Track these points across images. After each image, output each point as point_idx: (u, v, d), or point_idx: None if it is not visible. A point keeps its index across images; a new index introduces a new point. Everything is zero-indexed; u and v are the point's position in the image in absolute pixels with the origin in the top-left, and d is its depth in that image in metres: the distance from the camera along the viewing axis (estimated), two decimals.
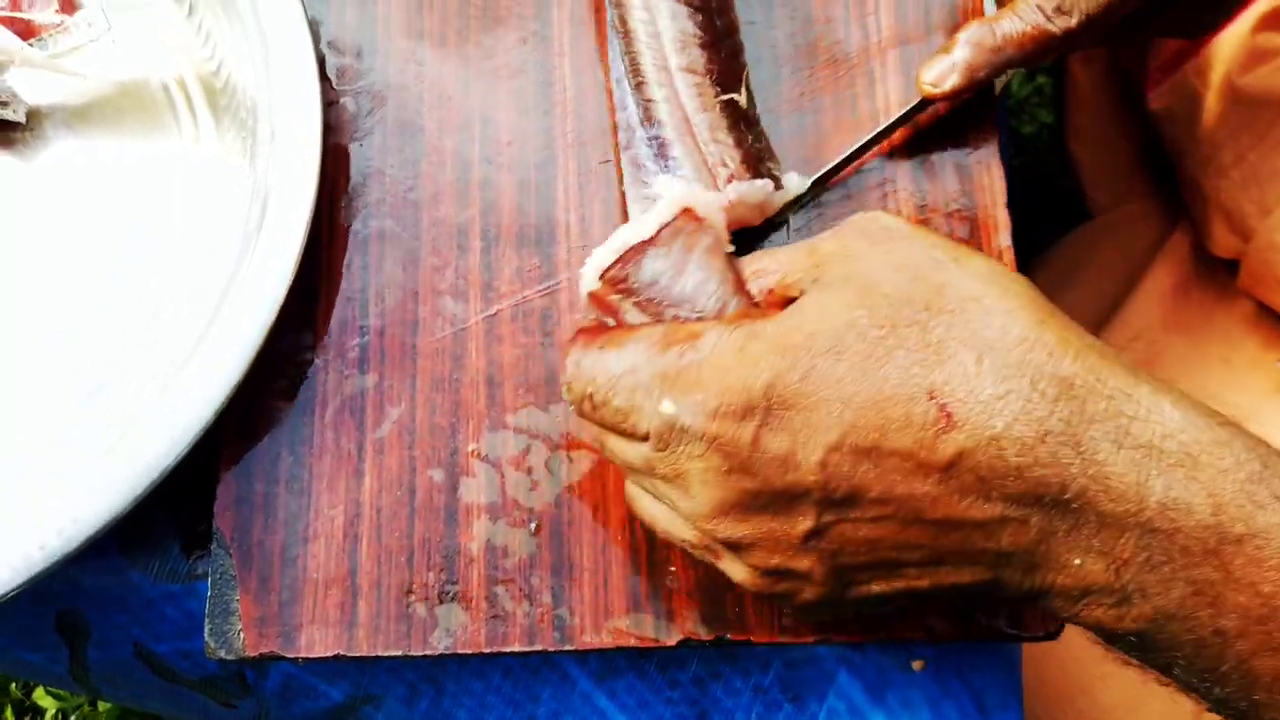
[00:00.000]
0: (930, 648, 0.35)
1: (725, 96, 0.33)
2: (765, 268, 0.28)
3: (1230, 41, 0.43)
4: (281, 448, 0.33)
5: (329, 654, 0.31)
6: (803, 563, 0.26)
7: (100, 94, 0.37)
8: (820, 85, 0.37)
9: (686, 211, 0.29)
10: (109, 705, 0.76)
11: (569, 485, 0.33)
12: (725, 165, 0.32)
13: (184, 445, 0.30)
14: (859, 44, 0.37)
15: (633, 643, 0.31)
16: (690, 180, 0.32)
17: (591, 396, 0.27)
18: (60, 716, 0.76)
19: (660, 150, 0.33)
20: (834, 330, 0.25)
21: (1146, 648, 0.25)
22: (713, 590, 0.32)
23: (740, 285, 0.28)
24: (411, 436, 0.33)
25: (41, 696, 0.77)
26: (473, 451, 0.33)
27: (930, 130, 0.36)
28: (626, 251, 0.28)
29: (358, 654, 0.31)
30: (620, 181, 0.35)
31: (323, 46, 0.37)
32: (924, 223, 0.35)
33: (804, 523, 0.25)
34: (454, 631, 0.31)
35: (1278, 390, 0.43)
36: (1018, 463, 0.23)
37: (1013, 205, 0.35)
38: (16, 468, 0.33)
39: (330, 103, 0.36)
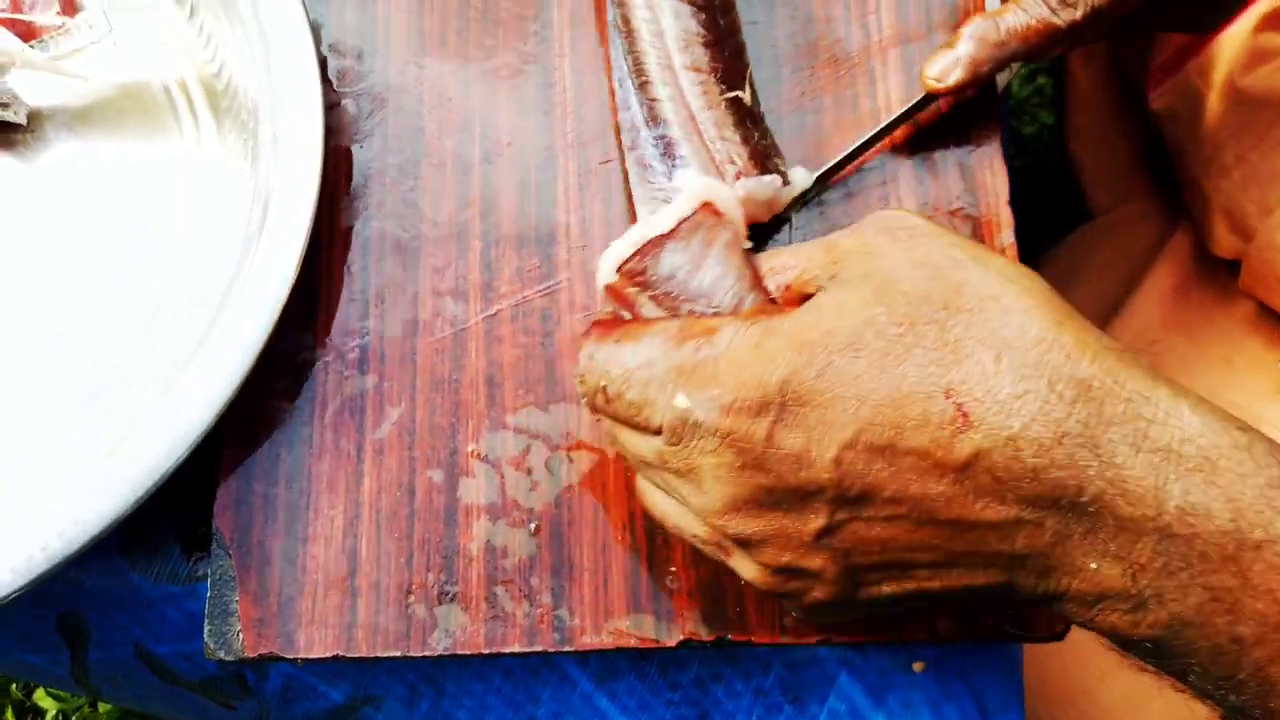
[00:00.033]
0: (932, 649, 0.35)
1: (730, 94, 0.33)
2: (783, 264, 0.28)
3: (1232, 41, 0.43)
4: (281, 448, 0.33)
5: (328, 655, 0.31)
6: (814, 561, 0.26)
7: (101, 96, 0.37)
8: (821, 85, 0.37)
9: (706, 206, 0.29)
10: (109, 706, 0.76)
11: (569, 485, 0.33)
12: (733, 162, 0.32)
13: (185, 447, 0.30)
14: (860, 43, 0.37)
15: (633, 643, 0.31)
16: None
17: (605, 389, 0.27)
18: (61, 717, 0.77)
19: (667, 149, 0.32)
20: (852, 327, 0.25)
21: (1162, 654, 0.25)
22: (714, 591, 0.32)
23: (757, 281, 0.28)
24: (411, 437, 0.33)
25: (42, 698, 0.77)
26: (472, 452, 0.33)
27: (932, 128, 0.36)
28: (645, 245, 0.28)
29: (357, 655, 0.31)
30: (626, 183, 0.35)
31: (324, 49, 0.37)
32: (927, 220, 0.35)
33: (816, 520, 0.25)
34: (453, 632, 0.31)
35: (1279, 391, 0.43)
36: (1034, 464, 0.23)
37: (1015, 203, 0.35)
38: (18, 470, 0.33)
39: (331, 105, 0.36)
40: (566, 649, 0.31)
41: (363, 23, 0.37)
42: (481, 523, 0.32)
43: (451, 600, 0.32)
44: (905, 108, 0.35)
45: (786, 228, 0.35)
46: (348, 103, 0.37)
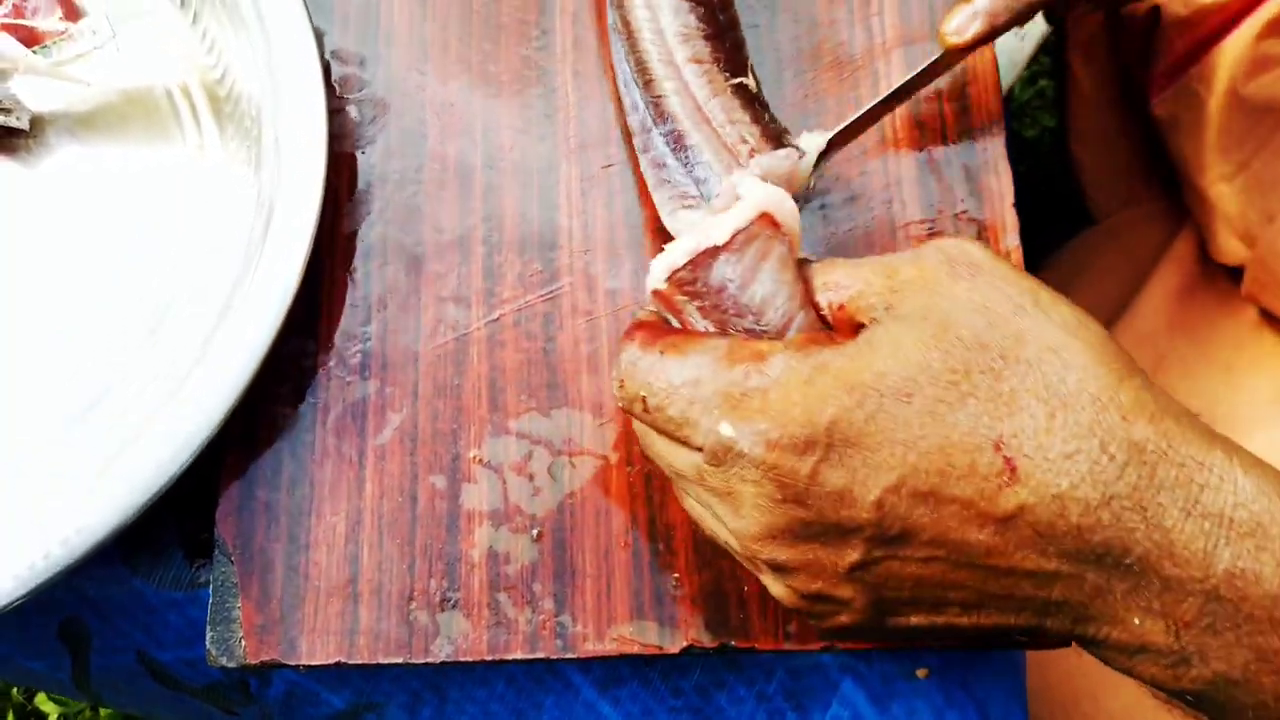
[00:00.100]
0: (935, 656, 0.35)
1: (735, 80, 0.32)
2: (837, 282, 0.27)
3: (1234, 49, 0.43)
4: (283, 454, 0.33)
5: (330, 662, 0.31)
6: (844, 591, 0.25)
7: (104, 101, 0.37)
8: (824, 87, 0.37)
9: (764, 217, 0.28)
10: (110, 711, 0.76)
11: (571, 491, 0.33)
12: (745, 141, 0.31)
13: (189, 454, 0.30)
14: (863, 46, 0.37)
15: (636, 650, 0.31)
16: (718, 174, 0.31)
17: (645, 400, 0.27)
18: None
19: (677, 143, 0.31)
20: (905, 371, 0.24)
21: (1204, 706, 0.25)
22: (717, 597, 0.32)
23: (808, 298, 0.27)
24: (413, 443, 0.33)
25: (44, 702, 0.77)
26: (474, 457, 0.33)
27: (936, 131, 0.36)
28: (698, 255, 0.27)
29: (359, 662, 0.31)
30: (640, 188, 0.35)
31: (326, 55, 0.37)
32: (931, 223, 0.35)
33: (852, 555, 0.25)
34: (455, 639, 0.31)
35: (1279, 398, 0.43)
36: (1079, 523, 0.23)
37: (1020, 206, 0.35)
38: (21, 478, 0.33)
39: (334, 111, 0.36)
40: (569, 656, 0.31)
41: (365, 29, 0.37)
42: (483, 529, 0.32)
43: (454, 607, 0.32)
44: (921, 68, 0.34)
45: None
46: (350, 109, 0.37)
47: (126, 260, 0.35)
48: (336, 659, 0.31)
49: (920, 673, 0.35)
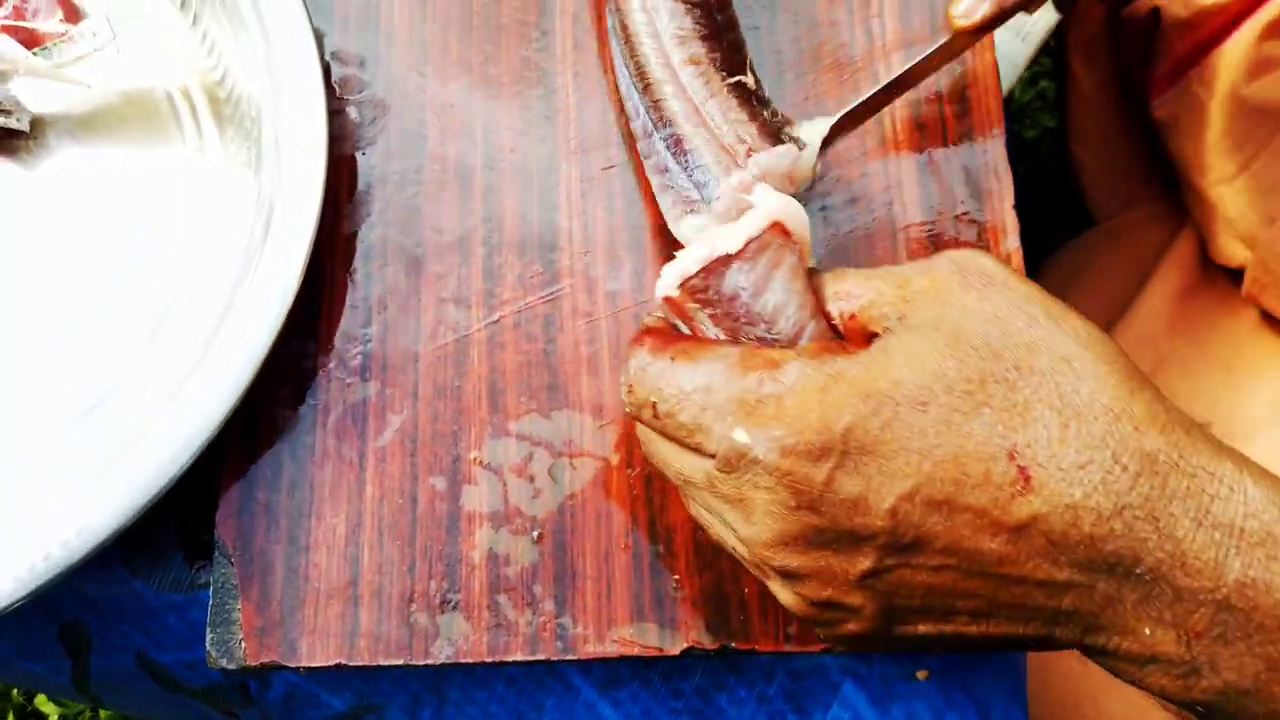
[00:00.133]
0: (936, 658, 0.35)
1: (732, 79, 0.32)
2: (849, 291, 0.27)
3: (1235, 50, 0.43)
4: (284, 456, 0.33)
5: (330, 663, 0.31)
6: (854, 598, 0.25)
7: (104, 103, 0.37)
8: (824, 89, 0.37)
9: (777, 226, 0.28)
10: (110, 713, 0.76)
11: (572, 493, 0.33)
12: (743, 141, 0.31)
13: (189, 456, 0.30)
14: (863, 47, 0.37)
15: (636, 652, 0.31)
16: (717, 177, 0.31)
17: (655, 406, 0.27)
18: None
19: (677, 146, 0.32)
20: (920, 379, 0.24)
21: (1215, 717, 0.25)
22: (717, 599, 0.32)
23: (819, 307, 0.28)
24: (413, 444, 0.33)
25: (44, 703, 0.77)
26: (475, 459, 0.33)
27: (937, 132, 0.36)
28: (712, 262, 0.27)
29: (359, 663, 0.31)
30: (646, 194, 0.35)
31: (326, 56, 0.37)
32: (931, 225, 0.35)
33: (864, 563, 0.25)
34: (456, 641, 0.31)
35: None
36: (1091, 532, 0.23)
37: (1020, 207, 0.35)
38: (21, 480, 0.33)
39: (334, 112, 0.36)
40: (569, 658, 0.31)
41: (365, 30, 0.37)
42: (484, 530, 0.32)
43: (454, 609, 0.32)
44: (928, 51, 0.34)
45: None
46: (350, 110, 0.37)
47: (127, 262, 0.35)
48: (336, 661, 0.31)
49: (920, 675, 0.35)
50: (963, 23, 0.33)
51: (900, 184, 0.36)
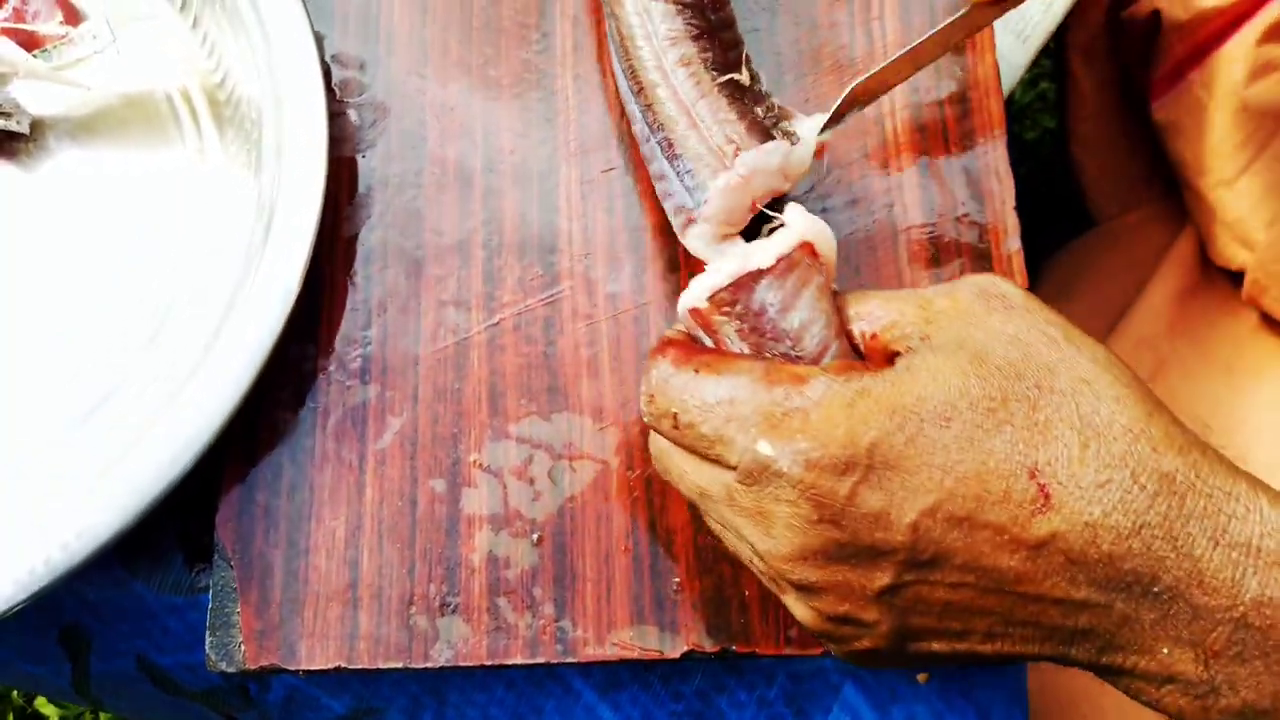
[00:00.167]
0: None
1: (725, 78, 0.32)
2: (871, 312, 0.27)
3: (1235, 52, 0.43)
4: (283, 459, 0.33)
5: (329, 666, 0.31)
6: (870, 614, 0.26)
7: (104, 106, 0.37)
8: (825, 91, 0.37)
9: (806, 245, 0.28)
10: (110, 715, 0.76)
11: (571, 496, 0.33)
12: (731, 141, 0.30)
13: (189, 459, 0.30)
14: (864, 49, 0.37)
15: (636, 655, 0.31)
16: (703, 181, 0.31)
17: (676, 416, 0.27)
18: None
19: (669, 150, 0.32)
20: (944, 396, 0.25)
21: None
22: (718, 601, 0.32)
23: (842, 327, 0.28)
24: (413, 447, 0.33)
25: (43, 705, 0.77)
26: (474, 462, 0.33)
27: (938, 134, 0.36)
28: (742, 277, 0.28)
29: (359, 666, 0.31)
30: (644, 192, 0.35)
31: (326, 59, 0.37)
32: (932, 227, 0.35)
33: (882, 578, 0.25)
34: (455, 644, 0.31)
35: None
36: (1110, 551, 0.24)
37: (1020, 209, 0.35)
38: (22, 480, 0.33)
39: (334, 115, 0.36)
40: (569, 661, 0.31)
41: (365, 33, 0.37)
42: (484, 533, 0.32)
43: (453, 611, 0.32)
44: (945, 22, 0.33)
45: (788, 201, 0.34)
46: (350, 112, 0.37)
47: (127, 264, 0.35)
48: (336, 664, 0.31)
49: (921, 678, 0.35)
50: None
51: (901, 186, 0.35)
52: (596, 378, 0.34)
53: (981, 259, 0.35)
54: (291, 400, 0.34)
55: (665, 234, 0.35)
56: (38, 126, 0.37)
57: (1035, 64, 0.48)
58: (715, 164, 0.31)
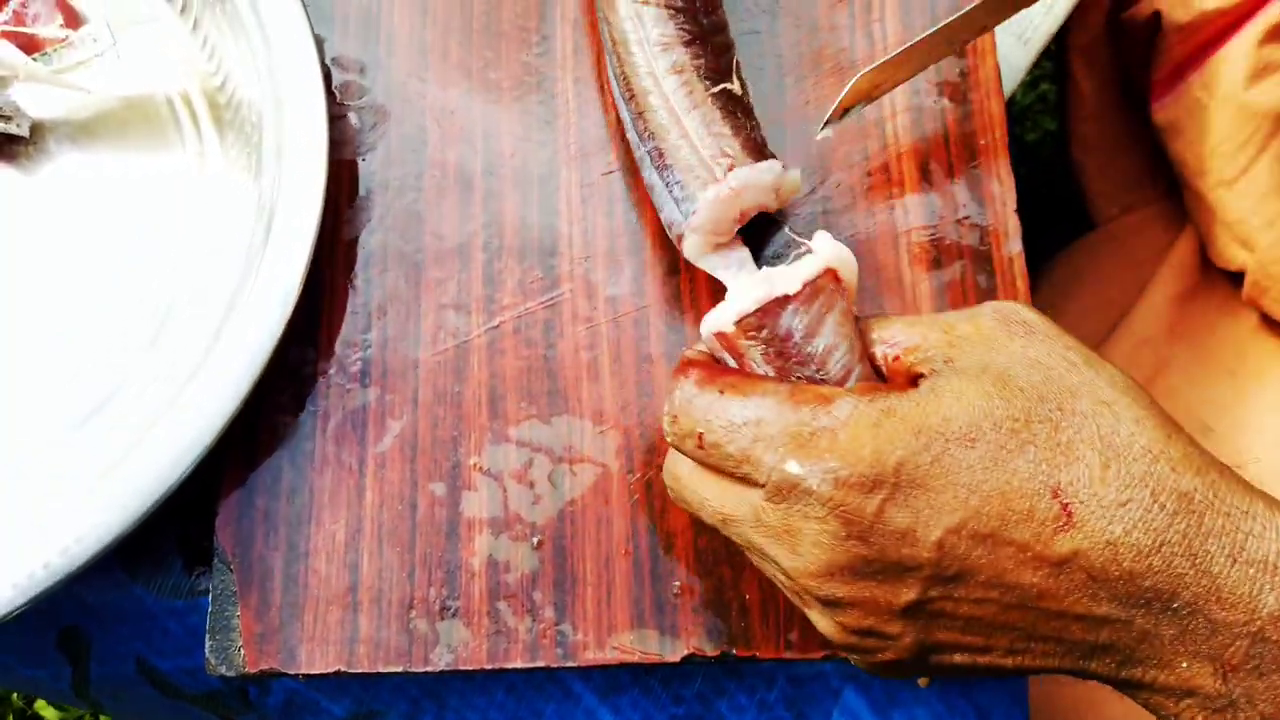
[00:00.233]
0: None
1: (718, 88, 0.32)
2: (894, 336, 0.28)
3: (1235, 54, 0.43)
4: (283, 462, 0.33)
5: (329, 670, 0.31)
6: (894, 628, 0.26)
7: (105, 109, 0.37)
8: (826, 93, 0.37)
9: (830, 272, 0.29)
10: (110, 718, 0.76)
11: (571, 499, 0.33)
12: (725, 155, 0.31)
13: (189, 462, 0.30)
14: (864, 52, 0.37)
15: (637, 659, 0.31)
16: (692, 194, 0.31)
17: (701, 437, 0.27)
18: None
19: (659, 160, 0.32)
20: (969, 417, 0.25)
21: None
22: (718, 605, 0.32)
23: (864, 352, 0.29)
24: (413, 450, 0.33)
25: (44, 707, 0.77)
26: (474, 465, 0.33)
27: (939, 136, 0.36)
28: (769, 303, 0.28)
29: (359, 670, 0.31)
30: (644, 195, 0.35)
31: (327, 62, 0.37)
32: (933, 229, 0.35)
33: (908, 594, 0.25)
34: (455, 648, 0.31)
35: None
36: (1130, 568, 0.24)
37: (1022, 211, 0.35)
38: (22, 482, 0.33)
39: (335, 118, 0.36)
40: (569, 664, 0.31)
41: (366, 36, 0.37)
42: (484, 537, 0.32)
43: (453, 615, 0.32)
44: (948, 19, 0.33)
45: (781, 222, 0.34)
46: (351, 115, 0.37)
47: (127, 267, 0.35)
48: (336, 668, 0.31)
49: (921, 681, 0.35)
50: None
51: (902, 188, 0.35)
52: (597, 381, 0.34)
53: (982, 261, 0.35)
54: (291, 403, 0.34)
55: (665, 238, 0.35)
56: (38, 129, 0.37)
57: (1036, 66, 0.48)
58: (706, 176, 0.31)
